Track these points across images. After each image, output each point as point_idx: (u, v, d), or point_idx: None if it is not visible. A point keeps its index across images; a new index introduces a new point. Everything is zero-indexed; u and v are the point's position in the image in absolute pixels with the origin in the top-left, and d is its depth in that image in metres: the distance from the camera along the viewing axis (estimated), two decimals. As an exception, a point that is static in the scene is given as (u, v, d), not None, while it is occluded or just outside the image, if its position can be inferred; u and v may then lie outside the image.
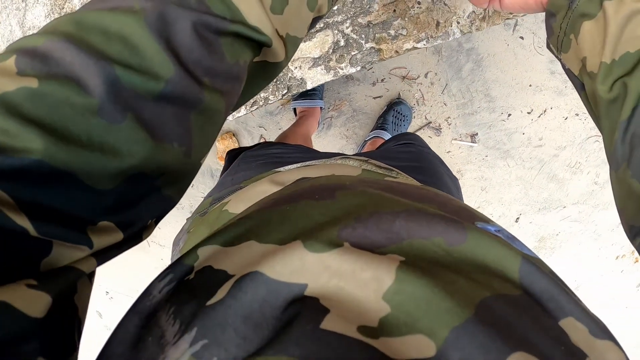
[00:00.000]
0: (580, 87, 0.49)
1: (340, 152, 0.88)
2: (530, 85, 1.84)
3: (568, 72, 0.50)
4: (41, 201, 0.24)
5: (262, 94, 0.81)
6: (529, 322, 0.27)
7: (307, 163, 0.66)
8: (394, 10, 0.74)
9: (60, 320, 0.24)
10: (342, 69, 0.77)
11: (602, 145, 1.93)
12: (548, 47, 0.54)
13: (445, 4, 0.75)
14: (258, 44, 0.36)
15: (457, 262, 0.32)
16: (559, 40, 0.49)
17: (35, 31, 0.72)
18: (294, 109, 1.78)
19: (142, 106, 0.27)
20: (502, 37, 1.76)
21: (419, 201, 0.40)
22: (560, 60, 0.51)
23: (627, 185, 0.42)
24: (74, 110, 0.25)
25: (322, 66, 0.76)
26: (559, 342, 0.27)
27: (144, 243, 1.60)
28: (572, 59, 0.48)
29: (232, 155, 0.96)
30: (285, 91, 0.79)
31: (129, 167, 0.27)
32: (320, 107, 1.77)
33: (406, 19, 0.75)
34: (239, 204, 0.55)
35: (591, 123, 1.91)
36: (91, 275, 0.29)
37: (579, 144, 1.95)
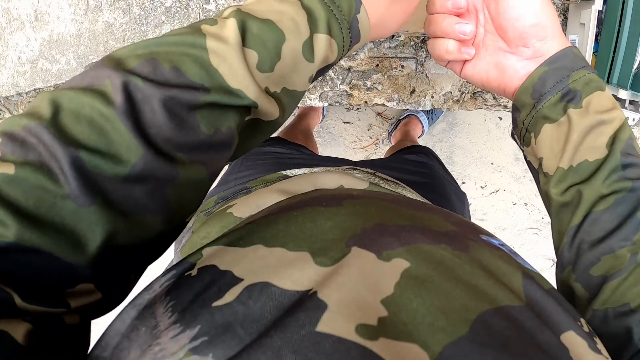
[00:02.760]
0: (538, 181, 0.50)
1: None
2: (492, 163, 1.90)
3: (529, 163, 0.51)
4: (22, 273, 0.25)
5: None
6: (527, 337, 0.27)
7: (315, 169, 0.65)
8: (377, 65, 0.75)
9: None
10: (310, 100, 0.77)
11: (538, 239, 2.01)
12: (512, 136, 0.54)
13: (427, 77, 0.77)
14: (243, 108, 0.35)
15: (464, 264, 0.32)
16: (521, 134, 0.49)
17: None
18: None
19: (110, 188, 0.28)
20: (481, 111, 1.81)
21: (423, 211, 0.40)
22: (522, 151, 0.52)
23: (570, 288, 0.44)
24: (47, 195, 0.26)
25: (293, 91, 0.77)
26: (556, 359, 0.27)
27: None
28: (532, 154, 0.49)
29: None
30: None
31: (103, 245, 0.28)
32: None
33: (386, 76, 0.76)
34: (244, 207, 0.54)
35: (535, 215, 1.98)
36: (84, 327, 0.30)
37: (518, 231, 2.02)
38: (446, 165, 1.89)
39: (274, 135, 1.26)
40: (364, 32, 0.42)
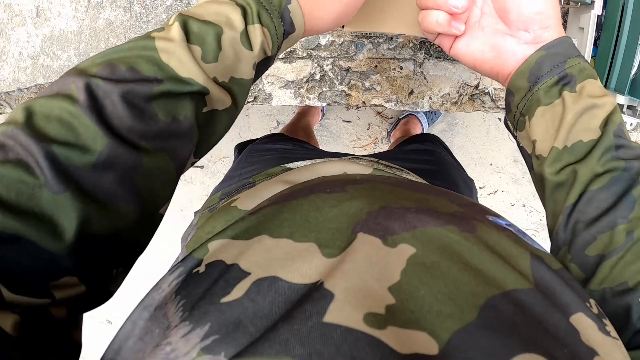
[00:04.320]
0: (531, 167, 0.50)
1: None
2: (491, 164, 1.91)
3: (522, 149, 0.52)
4: (6, 265, 0.27)
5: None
6: (536, 321, 0.27)
7: (318, 161, 0.66)
8: (375, 66, 0.76)
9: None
10: (309, 99, 0.78)
11: (536, 240, 2.01)
12: (505, 123, 0.55)
13: (425, 78, 0.77)
14: (197, 95, 0.38)
15: (472, 246, 0.32)
16: (515, 119, 0.50)
17: None
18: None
19: (81, 176, 0.31)
20: (480, 112, 1.82)
21: (429, 193, 0.40)
22: (515, 137, 0.52)
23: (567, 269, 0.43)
24: (26, 187, 0.29)
25: (292, 90, 0.77)
26: (565, 343, 0.27)
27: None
28: (525, 138, 0.50)
29: (240, 148, 0.97)
30: (252, 99, 0.80)
31: (79, 231, 0.30)
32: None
33: (384, 77, 0.76)
34: (249, 200, 0.54)
35: (533, 217, 1.99)
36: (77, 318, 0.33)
37: (515, 232, 2.02)
38: (445, 166, 1.90)
39: (276, 132, 1.27)
40: (297, 21, 0.45)
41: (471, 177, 0.99)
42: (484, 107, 0.83)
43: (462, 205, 0.38)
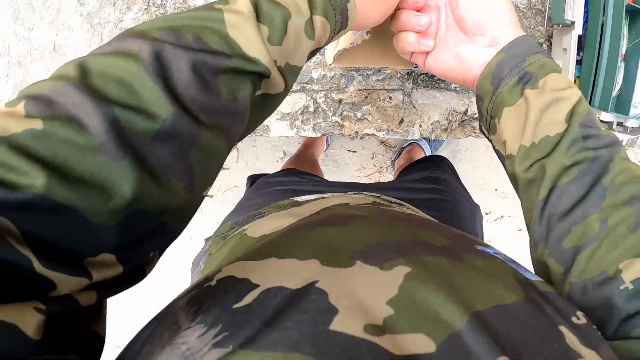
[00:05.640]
0: (505, 166, 0.52)
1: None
2: (496, 190, 1.92)
3: (497, 152, 0.53)
4: (44, 234, 0.25)
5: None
6: (525, 327, 0.29)
7: (324, 195, 0.69)
8: (366, 97, 0.79)
9: (58, 344, 0.25)
10: (304, 130, 0.81)
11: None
12: (480, 129, 0.57)
13: (414, 107, 0.81)
14: (258, 76, 0.38)
15: (461, 270, 0.34)
16: (487, 123, 0.52)
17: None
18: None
19: (141, 144, 0.29)
20: (484, 138, 1.84)
21: (422, 228, 0.42)
22: (491, 142, 0.54)
23: (545, 264, 0.44)
24: (76, 149, 0.27)
25: (288, 122, 0.81)
26: (547, 347, 0.28)
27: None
28: (498, 141, 0.51)
29: (252, 180, 1.01)
30: (250, 131, 0.84)
31: (130, 204, 0.28)
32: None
33: (375, 107, 0.80)
34: (258, 229, 0.57)
35: (542, 242, 1.97)
36: (101, 307, 0.31)
37: (524, 255, 2.01)
38: (450, 192, 1.92)
39: (284, 167, 1.31)
40: (351, 19, 0.46)
41: (477, 202, 1.01)
42: (475, 133, 0.86)
43: (451, 237, 0.40)
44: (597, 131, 0.44)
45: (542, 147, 0.45)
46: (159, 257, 0.35)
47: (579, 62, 0.78)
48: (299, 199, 0.70)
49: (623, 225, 0.39)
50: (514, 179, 0.49)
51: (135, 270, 0.32)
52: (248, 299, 0.30)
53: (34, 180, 0.25)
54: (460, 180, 1.09)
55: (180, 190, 0.32)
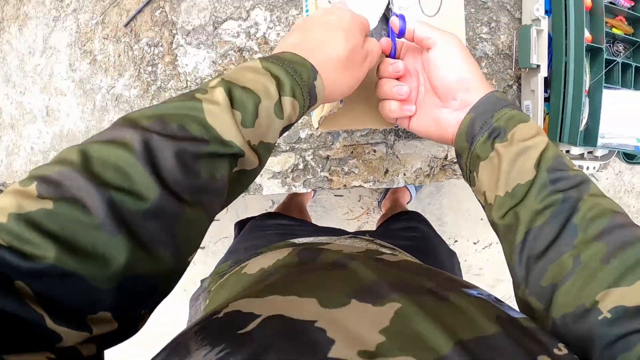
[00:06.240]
0: (487, 214, 0.55)
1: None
2: (481, 219, 1.97)
3: (479, 201, 0.57)
4: (54, 295, 0.30)
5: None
6: (500, 355, 0.32)
7: (319, 239, 0.74)
8: (352, 152, 0.84)
9: None
10: (295, 187, 0.86)
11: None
12: (465, 179, 0.60)
13: (397, 157, 0.86)
14: (233, 157, 0.42)
15: (446, 306, 0.38)
16: (467, 176, 0.56)
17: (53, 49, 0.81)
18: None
19: (133, 221, 0.34)
20: (454, 179, 1.90)
21: (411, 272, 0.47)
22: (473, 191, 0.58)
23: (527, 303, 0.47)
24: (81, 226, 0.31)
25: (280, 180, 0.85)
26: None
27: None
28: (479, 192, 0.55)
29: (241, 225, 1.05)
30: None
31: (124, 270, 0.33)
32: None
33: (360, 160, 0.85)
34: (257, 264, 0.61)
35: (530, 266, 2.01)
36: (99, 358, 0.35)
37: (515, 283, 2.04)
38: (437, 226, 1.96)
39: (272, 211, 1.35)
40: (319, 94, 0.50)
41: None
42: (456, 175, 0.91)
43: (439, 281, 0.45)
44: (566, 173, 0.47)
45: (515, 195, 0.48)
46: (149, 315, 0.39)
47: (547, 100, 0.83)
48: (296, 241, 0.74)
49: (595, 258, 0.41)
50: (494, 225, 0.53)
51: (128, 326, 0.36)
52: (251, 326, 0.35)
53: (47, 252, 0.29)
54: (435, 231, 1.18)
55: (167, 257, 0.37)
